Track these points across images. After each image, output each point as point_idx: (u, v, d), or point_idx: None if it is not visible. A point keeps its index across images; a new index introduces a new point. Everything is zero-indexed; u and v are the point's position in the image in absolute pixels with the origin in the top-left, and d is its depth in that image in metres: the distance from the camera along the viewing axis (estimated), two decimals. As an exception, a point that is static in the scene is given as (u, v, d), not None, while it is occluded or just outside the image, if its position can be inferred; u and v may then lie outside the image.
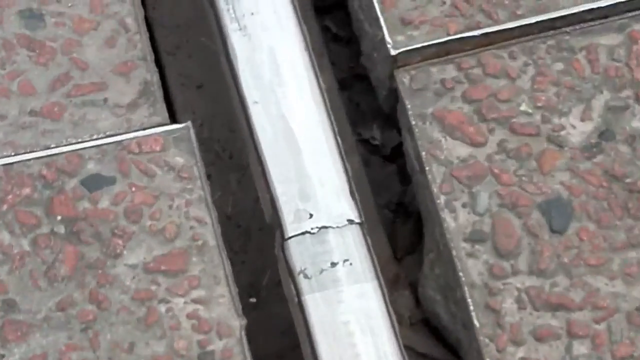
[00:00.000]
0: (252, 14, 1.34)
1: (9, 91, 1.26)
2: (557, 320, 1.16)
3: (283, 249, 1.22)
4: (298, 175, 1.26)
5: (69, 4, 1.32)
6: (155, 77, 1.29)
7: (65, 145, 1.23)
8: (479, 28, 1.30)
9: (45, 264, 1.17)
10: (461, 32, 1.30)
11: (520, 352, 1.15)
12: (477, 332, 1.17)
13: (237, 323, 1.16)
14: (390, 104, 1.33)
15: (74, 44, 1.29)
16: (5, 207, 1.20)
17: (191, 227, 1.20)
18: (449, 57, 1.29)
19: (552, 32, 1.30)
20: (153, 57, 1.31)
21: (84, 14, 1.31)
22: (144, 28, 1.32)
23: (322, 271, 1.20)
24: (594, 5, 1.31)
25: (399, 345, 1.17)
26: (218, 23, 1.34)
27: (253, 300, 1.30)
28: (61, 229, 1.19)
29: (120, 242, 1.19)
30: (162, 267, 1.18)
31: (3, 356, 1.12)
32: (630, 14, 1.31)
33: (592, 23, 1.31)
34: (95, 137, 1.25)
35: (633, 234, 1.20)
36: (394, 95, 1.30)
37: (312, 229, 1.22)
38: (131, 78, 1.27)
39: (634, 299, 1.17)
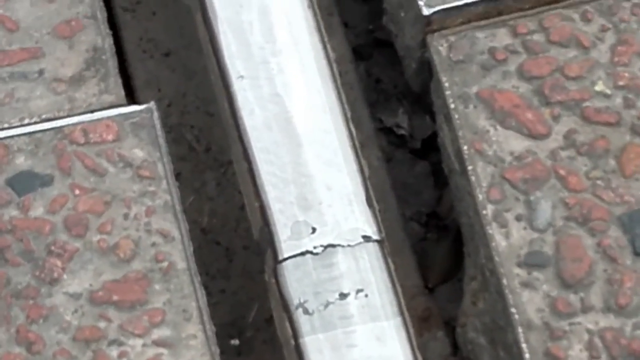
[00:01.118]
0: None
1: None
2: None
3: (276, 274, 1.23)
4: (297, 176, 1.26)
5: None
6: (108, 42, 1.29)
7: None
8: None
9: None
10: None
11: None
12: None
13: None
14: (422, 81, 1.34)
15: None
16: None
17: (153, 244, 1.21)
18: (501, 18, 1.31)
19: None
20: (105, 14, 1.31)
21: None
22: None
23: (327, 304, 1.21)
24: None
25: None
26: None
27: (235, 342, 1.28)
28: None
29: (58, 263, 1.20)
30: (114, 297, 1.19)
31: None
32: None
33: None
34: (26, 121, 1.25)
35: None
36: (427, 69, 1.31)
37: (314, 247, 1.23)
38: (75, 43, 1.27)
39: None
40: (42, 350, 1.17)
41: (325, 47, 1.32)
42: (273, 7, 1.33)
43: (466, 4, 1.30)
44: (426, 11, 1.30)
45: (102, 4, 1.31)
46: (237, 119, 1.28)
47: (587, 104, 1.27)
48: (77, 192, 1.22)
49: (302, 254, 1.23)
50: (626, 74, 1.28)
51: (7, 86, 1.25)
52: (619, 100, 1.26)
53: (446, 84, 1.28)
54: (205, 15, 1.33)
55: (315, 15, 1.34)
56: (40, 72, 1.26)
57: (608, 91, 1.28)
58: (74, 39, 1.26)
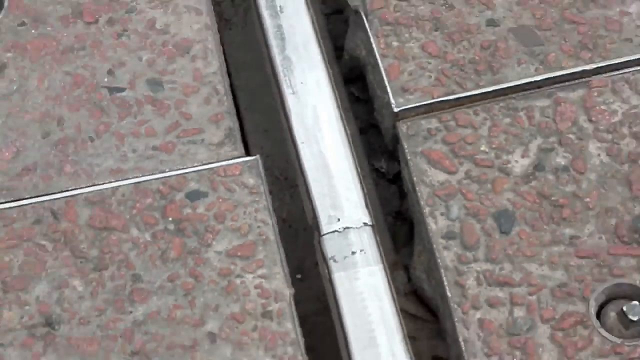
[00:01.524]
0: (302, 83, 1.33)
1: (139, 133, 1.26)
2: (503, 293, 1.16)
3: (320, 242, 1.22)
4: (330, 193, 1.25)
5: (180, 75, 1.30)
6: (236, 125, 1.28)
7: (175, 171, 1.23)
8: (454, 94, 1.28)
9: (160, 250, 1.17)
10: (442, 96, 1.28)
11: (478, 314, 1.14)
12: (449, 300, 1.16)
13: (287, 292, 1.14)
14: (393, 145, 1.33)
15: (182, 102, 1.29)
16: (134, 211, 1.19)
17: (258, 227, 1.19)
18: (433, 113, 1.28)
19: (503, 97, 1.28)
20: (235, 112, 1.30)
21: (189, 82, 1.30)
22: (229, 92, 1.30)
23: (345, 257, 1.19)
24: (532, 79, 1.29)
25: (397, 309, 1.16)
26: (278, 89, 1.33)
27: (299, 276, 1.28)
28: (171, 227, 1.19)
29: (210, 236, 1.19)
30: (239, 253, 1.17)
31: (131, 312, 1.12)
32: (556, 86, 1.30)
33: (530, 91, 1.29)
34: (196, 165, 1.24)
35: (556, 235, 1.19)
36: (396, 138, 1.30)
37: (339, 229, 1.22)
38: (220, 125, 1.26)
39: (556, 279, 1.16)
40: (202, 280, 1.15)
41: (345, 127, 1.32)
42: (319, 107, 1.33)
43: (416, 106, 1.28)
44: (396, 109, 1.28)
45: (233, 106, 1.29)
46: (300, 163, 1.28)
47: (476, 156, 1.25)
48: (220, 200, 1.20)
49: (333, 232, 1.22)
50: (496, 141, 1.26)
51: (185, 147, 1.24)
52: (492, 155, 1.25)
53: (405, 146, 1.27)
54: (284, 111, 1.33)
55: (340, 111, 1.33)
56: (202, 140, 1.25)
57: (487, 150, 1.26)
58: (219, 123, 1.25)
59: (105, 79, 1.27)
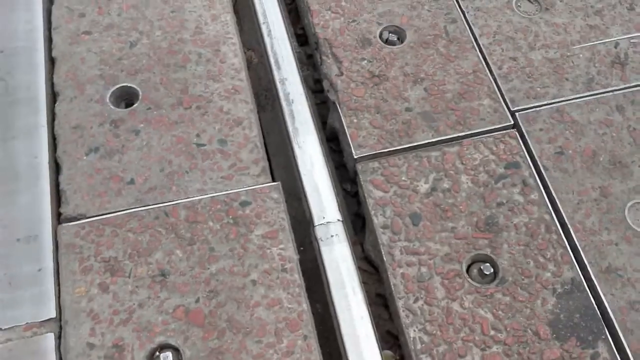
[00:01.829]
0: (304, 142, 1.26)
1: (213, 169, 1.20)
2: (415, 258, 1.14)
3: (313, 230, 1.17)
4: (319, 202, 1.21)
5: (236, 137, 1.25)
6: (267, 165, 1.23)
7: (233, 190, 1.19)
8: (387, 149, 1.25)
9: (225, 234, 1.13)
10: (380, 150, 1.24)
11: (401, 270, 1.13)
12: (385, 263, 1.14)
13: (295, 257, 1.11)
14: (354, 176, 1.28)
15: (237, 152, 1.22)
16: (210, 212, 1.16)
17: (279, 221, 1.15)
18: (376, 159, 1.24)
19: (414, 150, 1.25)
20: (266, 157, 1.25)
21: (241, 140, 1.26)
22: (263, 146, 1.24)
23: (327, 238, 1.15)
24: (430, 140, 1.25)
25: (356, 267, 1.13)
26: (290, 145, 1.27)
27: (302, 249, 1.19)
28: (231, 221, 1.15)
29: (253, 226, 1.15)
30: (269, 236, 1.14)
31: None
32: (443, 144, 1.26)
33: (429, 147, 1.25)
34: (245, 187, 1.20)
35: (443, 226, 1.18)
36: (355, 172, 1.25)
37: (324, 222, 1.17)
38: (258, 165, 1.22)
39: (444, 251, 1.14)
40: (248, 251, 1.11)
41: (329, 167, 1.26)
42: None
43: (366, 155, 1.25)
44: (355, 156, 1.26)
45: (265, 153, 1.24)
46: (303, 186, 1.22)
47: (399, 182, 1.22)
48: (258, 206, 1.15)
49: (321, 224, 1.18)
50: (410, 174, 1.23)
51: (239, 177, 1.19)
52: (408, 182, 1.22)
53: (360, 177, 1.24)
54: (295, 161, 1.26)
55: (330, 167, 1.27)
56: (248, 173, 1.19)
57: (405, 179, 1.22)
58: (258, 164, 1.21)
59: (195, 139, 1.24)
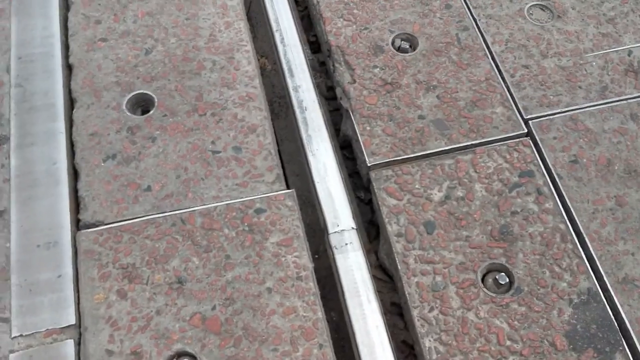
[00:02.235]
0: (317, 149, 1.26)
1: (228, 176, 1.19)
2: (429, 267, 1.14)
3: (328, 237, 1.17)
4: (334, 210, 1.20)
5: (250, 144, 1.26)
6: (281, 172, 1.22)
7: (248, 197, 1.19)
8: (400, 156, 1.23)
9: (240, 241, 1.14)
10: (393, 158, 1.23)
11: (416, 279, 1.12)
12: (399, 271, 1.13)
13: (310, 265, 1.11)
14: (367, 183, 1.27)
15: (252, 159, 1.22)
16: (226, 219, 1.16)
17: (294, 229, 1.14)
18: (389, 166, 1.23)
19: (427, 158, 1.23)
20: (280, 165, 1.25)
21: (255, 148, 1.24)
22: (277, 154, 1.24)
23: (342, 246, 1.15)
24: (443, 149, 1.25)
25: (370, 275, 1.13)
26: (304, 152, 1.26)
27: (316, 256, 1.23)
28: (247, 228, 1.15)
29: (268, 233, 1.14)
30: (283, 243, 1.14)
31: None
32: (456, 152, 1.25)
33: (442, 155, 1.25)
34: (259, 194, 1.19)
35: (458, 235, 1.17)
36: (369, 180, 1.24)
37: (339, 230, 1.17)
38: (273, 172, 1.22)
39: (458, 260, 1.14)
40: (263, 258, 1.11)
41: (344, 180, 1.25)
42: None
43: (379, 163, 1.24)
44: (369, 164, 1.25)
45: (279, 160, 1.24)
46: (317, 193, 1.21)
47: (413, 190, 1.21)
48: (273, 214, 1.15)
49: (335, 232, 1.18)
50: (424, 182, 1.22)
51: (254, 184, 1.19)
52: (422, 190, 1.22)
53: (374, 184, 1.23)
54: (308, 168, 1.26)
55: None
56: (263, 180, 1.19)
57: (419, 187, 1.22)
58: (272, 171, 1.20)
59: (210, 146, 1.24)
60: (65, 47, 1.32)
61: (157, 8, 1.44)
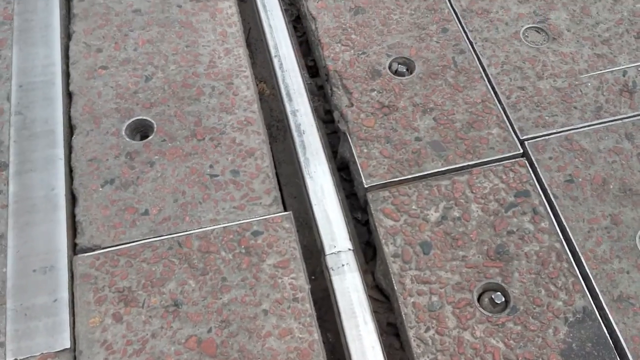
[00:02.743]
0: (314, 172, 1.28)
1: (226, 199, 1.20)
2: (426, 287, 1.14)
3: (324, 259, 1.17)
4: (330, 231, 1.20)
5: (248, 167, 1.25)
6: (279, 195, 1.23)
7: (245, 220, 1.19)
8: (397, 178, 1.24)
9: (237, 263, 1.14)
10: (390, 179, 1.24)
11: (412, 299, 1.12)
12: (396, 292, 1.13)
13: (307, 287, 1.11)
14: (364, 204, 1.28)
15: (249, 182, 1.23)
16: (223, 242, 1.16)
17: (290, 250, 1.15)
18: (386, 188, 1.24)
19: (424, 179, 1.25)
20: (278, 187, 1.26)
21: (253, 171, 1.25)
22: (275, 176, 1.25)
23: (338, 267, 1.15)
24: (439, 170, 1.25)
25: (367, 296, 1.13)
26: (302, 175, 1.28)
27: (313, 278, 1.24)
28: (243, 250, 1.16)
29: (265, 255, 1.14)
30: (280, 265, 1.14)
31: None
32: (452, 173, 1.26)
33: (438, 176, 1.25)
34: (256, 217, 1.19)
35: (454, 255, 1.17)
36: (366, 201, 1.25)
37: (335, 251, 1.18)
38: (270, 195, 1.23)
39: (454, 280, 1.14)
40: (260, 280, 1.11)
41: (341, 198, 1.26)
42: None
43: (376, 184, 1.25)
44: (366, 185, 1.26)
45: (277, 183, 1.24)
46: (314, 215, 1.22)
47: (410, 211, 1.22)
48: (270, 236, 1.16)
49: (332, 253, 1.18)
50: (421, 203, 1.23)
51: (251, 207, 1.19)
52: (418, 210, 1.22)
53: (371, 205, 1.24)
54: (307, 193, 1.27)
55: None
56: (260, 203, 1.19)
57: (416, 208, 1.22)
58: (270, 194, 1.21)
59: (208, 170, 1.25)
60: (66, 75, 1.36)
61: (157, 36, 1.47)
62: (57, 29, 1.41)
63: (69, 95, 1.38)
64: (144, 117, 1.34)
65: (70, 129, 1.32)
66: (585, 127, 1.31)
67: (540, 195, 1.24)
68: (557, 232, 1.19)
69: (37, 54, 1.37)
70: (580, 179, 1.26)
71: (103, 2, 1.51)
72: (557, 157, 1.28)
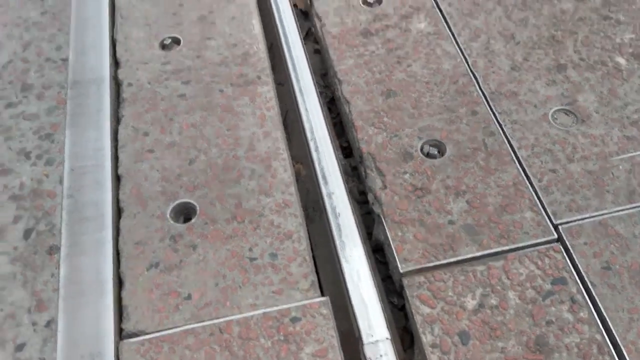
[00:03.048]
0: (350, 256, 1.27)
1: (264, 283, 1.22)
2: None
3: (362, 348, 1.14)
4: (368, 318, 1.18)
5: (286, 250, 1.27)
6: (316, 279, 1.23)
7: (286, 305, 1.18)
8: (432, 263, 1.23)
9: (276, 351, 1.14)
10: (426, 264, 1.23)
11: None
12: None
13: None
14: (400, 289, 1.27)
15: (287, 266, 1.24)
16: (262, 329, 1.16)
17: (329, 338, 1.14)
18: (422, 273, 1.24)
19: (459, 264, 1.24)
20: (315, 271, 1.26)
21: (291, 254, 1.26)
22: (312, 260, 1.26)
23: (376, 357, 1.12)
24: (474, 255, 1.25)
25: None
26: (337, 258, 1.26)
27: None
28: (287, 338, 1.18)
29: (302, 343, 1.16)
30: (318, 354, 1.13)
31: None
32: (488, 258, 1.24)
33: (474, 261, 1.25)
34: (295, 302, 1.19)
35: (493, 346, 1.15)
36: (402, 286, 1.23)
37: (373, 341, 1.14)
38: (307, 279, 1.24)
39: None
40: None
41: (374, 280, 1.26)
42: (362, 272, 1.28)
43: (411, 270, 1.25)
44: (401, 270, 1.26)
45: (314, 267, 1.25)
46: (350, 301, 1.21)
47: (447, 298, 1.21)
48: (308, 323, 1.17)
49: (370, 342, 1.16)
50: (457, 290, 1.21)
51: (289, 291, 1.19)
52: (455, 297, 1.21)
53: (407, 292, 1.22)
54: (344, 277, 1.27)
55: (373, 270, 1.27)
56: (298, 287, 1.20)
57: (452, 294, 1.21)
58: (307, 278, 1.22)
59: (248, 253, 1.26)
60: (115, 159, 1.40)
61: (200, 120, 1.54)
62: (107, 113, 1.49)
63: (117, 178, 1.43)
64: (188, 200, 1.38)
65: (118, 211, 1.37)
66: (619, 211, 1.31)
67: (578, 283, 1.23)
68: (597, 323, 1.17)
69: (89, 138, 1.44)
70: (617, 266, 1.25)
71: (150, 87, 1.58)
72: (592, 242, 1.28)
